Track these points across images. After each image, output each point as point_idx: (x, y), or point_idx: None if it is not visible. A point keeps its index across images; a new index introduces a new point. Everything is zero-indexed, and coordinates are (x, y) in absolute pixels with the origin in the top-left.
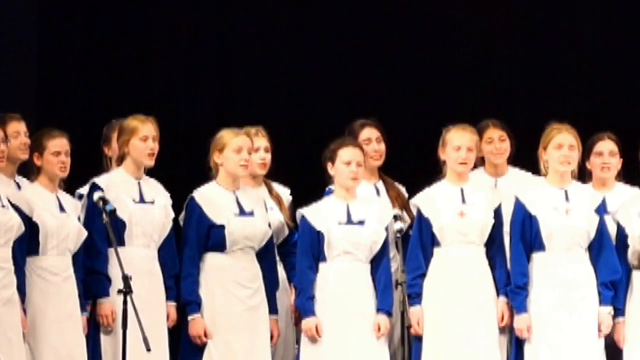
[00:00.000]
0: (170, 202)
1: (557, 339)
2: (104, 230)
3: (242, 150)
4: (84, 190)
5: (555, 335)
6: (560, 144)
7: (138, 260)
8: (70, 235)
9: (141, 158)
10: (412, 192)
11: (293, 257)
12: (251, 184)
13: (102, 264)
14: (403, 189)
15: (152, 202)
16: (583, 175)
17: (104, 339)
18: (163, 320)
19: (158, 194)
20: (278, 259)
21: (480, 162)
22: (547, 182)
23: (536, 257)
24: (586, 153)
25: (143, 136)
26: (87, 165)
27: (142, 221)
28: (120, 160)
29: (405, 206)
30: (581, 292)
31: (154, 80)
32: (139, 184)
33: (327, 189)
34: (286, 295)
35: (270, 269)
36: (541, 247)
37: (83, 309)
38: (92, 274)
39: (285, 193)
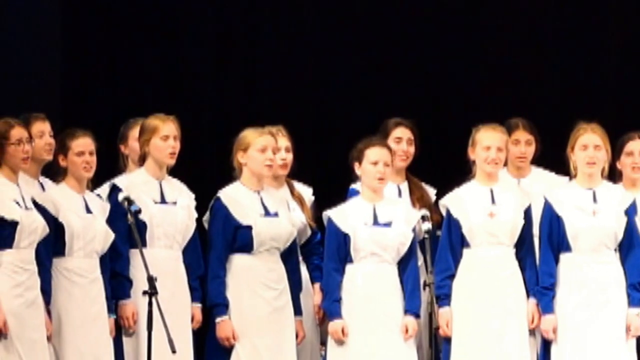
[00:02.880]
0: (193, 202)
1: (583, 340)
2: (124, 231)
3: (266, 149)
4: (101, 190)
5: (581, 336)
6: (585, 145)
7: (160, 261)
8: (96, 236)
9: (162, 157)
10: (442, 193)
11: (315, 258)
12: (273, 185)
13: (122, 265)
14: (433, 191)
15: (174, 203)
16: (614, 174)
17: (125, 340)
18: (187, 321)
19: (181, 194)
20: (300, 259)
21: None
22: (576, 183)
23: (563, 257)
24: (616, 152)
25: (164, 135)
26: (114, 166)
27: (163, 222)
28: (142, 160)
29: (429, 208)
30: (608, 293)
31: (179, 80)
32: (160, 184)
33: (350, 188)
34: (309, 296)
35: (294, 269)
36: (568, 247)
37: (110, 310)
38: (112, 275)
39: (307, 192)
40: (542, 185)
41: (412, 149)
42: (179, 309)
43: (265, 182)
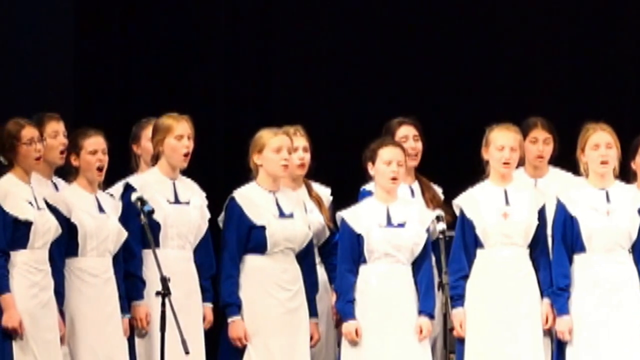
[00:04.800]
0: (205, 202)
1: (598, 340)
2: (137, 231)
3: (281, 149)
4: (114, 190)
5: (596, 337)
6: (597, 144)
7: (172, 262)
8: (109, 236)
9: (175, 157)
10: (451, 192)
11: (334, 258)
12: (291, 185)
13: (135, 266)
14: (439, 190)
15: (187, 203)
16: (628, 174)
17: (137, 341)
18: (199, 322)
19: (193, 193)
20: (319, 260)
21: (520, 161)
22: (588, 183)
23: (577, 258)
24: (631, 152)
25: (178, 134)
26: (126, 167)
27: (176, 222)
28: (155, 159)
29: (441, 208)
30: (622, 294)
31: (193, 80)
32: (174, 184)
33: (361, 189)
34: (327, 297)
35: (310, 271)
36: (582, 248)
37: (124, 310)
38: (126, 276)
39: (325, 193)
40: (560, 185)
41: (419, 145)
42: (191, 309)
43: (282, 183)
